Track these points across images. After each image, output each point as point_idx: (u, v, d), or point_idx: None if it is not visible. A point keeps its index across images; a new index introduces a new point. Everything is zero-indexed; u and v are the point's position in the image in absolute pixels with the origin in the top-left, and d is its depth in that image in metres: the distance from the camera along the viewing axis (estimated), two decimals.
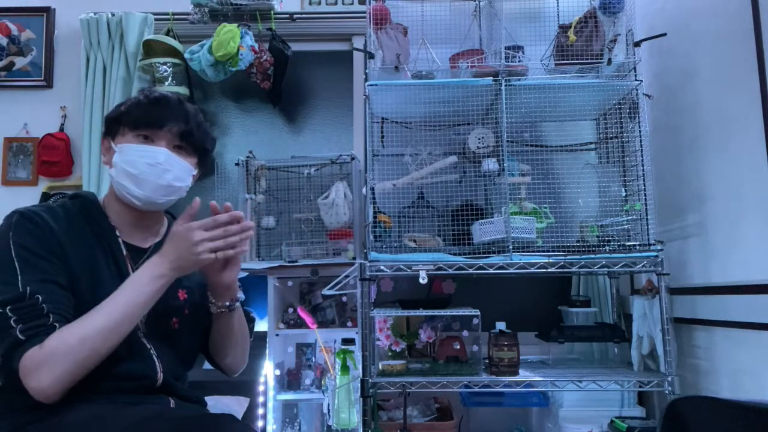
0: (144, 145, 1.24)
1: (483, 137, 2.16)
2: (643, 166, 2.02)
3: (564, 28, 2.12)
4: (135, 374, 1.19)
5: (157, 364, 1.23)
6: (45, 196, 2.76)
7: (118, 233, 1.26)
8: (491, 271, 1.96)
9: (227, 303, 1.30)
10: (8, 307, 1.08)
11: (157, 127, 1.24)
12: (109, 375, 1.14)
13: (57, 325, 1.09)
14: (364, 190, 2.17)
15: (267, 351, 2.41)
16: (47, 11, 2.91)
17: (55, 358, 1.05)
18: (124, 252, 1.26)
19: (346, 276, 2.17)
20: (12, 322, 1.07)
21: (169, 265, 1.16)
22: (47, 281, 1.12)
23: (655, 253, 1.93)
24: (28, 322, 1.08)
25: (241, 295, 1.33)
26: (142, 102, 1.26)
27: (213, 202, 1.23)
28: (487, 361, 2.09)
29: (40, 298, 1.09)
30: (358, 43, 2.82)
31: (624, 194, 2.13)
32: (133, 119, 1.24)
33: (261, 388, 2.40)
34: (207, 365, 1.47)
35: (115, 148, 1.25)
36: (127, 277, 1.23)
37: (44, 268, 1.13)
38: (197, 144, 1.30)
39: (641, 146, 2.03)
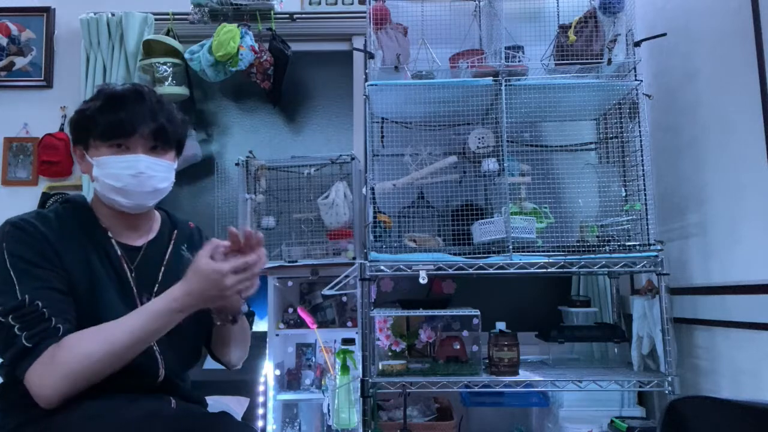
0: (121, 155, 1.19)
1: (483, 137, 2.16)
2: (643, 166, 2.02)
3: (564, 28, 2.12)
4: (137, 371, 1.18)
5: (159, 360, 1.23)
6: (45, 196, 2.76)
7: (110, 234, 1.26)
8: (491, 271, 1.96)
9: (230, 317, 1.30)
10: (10, 316, 1.08)
11: (129, 135, 1.19)
12: (113, 372, 1.14)
13: (61, 327, 1.09)
14: (364, 190, 2.17)
15: (267, 351, 2.41)
16: (47, 11, 2.91)
17: (61, 373, 1.06)
18: (119, 252, 1.25)
19: (346, 276, 2.17)
20: (16, 330, 1.07)
21: (190, 303, 1.14)
22: (45, 288, 1.12)
23: (655, 253, 1.93)
24: (32, 329, 1.08)
25: (243, 308, 1.33)
26: (105, 108, 1.19)
27: (232, 228, 1.17)
28: (487, 361, 2.09)
29: (40, 304, 1.09)
30: (358, 43, 2.82)
31: (624, 194, 2.13)
32: (102, 130, 1.19)
33: (261, 388, 2.40)
34: (207, 365, 1.47)
35: (91, 161, 1.21)
36: (124, 277, 1.24)
37: (40, 276, 1.12)
38: (172, 139, 1.25)
39: (641, 146, 2.03)
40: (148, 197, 1.24)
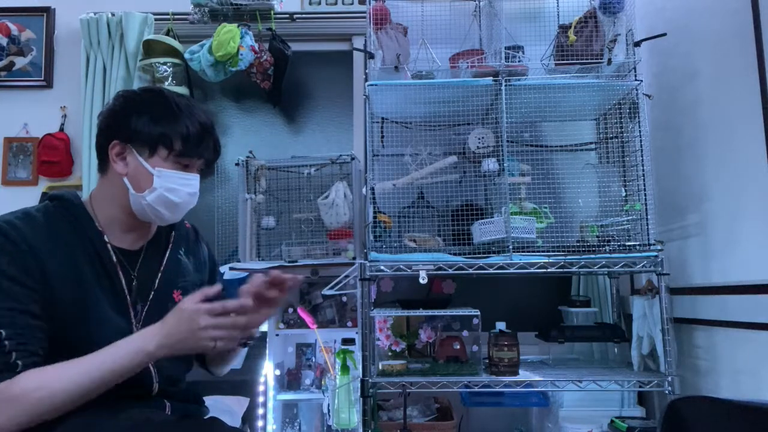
0: (184, 172, 1.23)
1: (483, 137, 2.16)
2: (643, 166, 2.02)
3: (564, 28, 2.12)
4: (131, 385, 1.14)
5: (153, 373, 1.20)
6: (45, 196, 2.76)
7: (106, 237, 1.20)
8: (491, 271, 1.96)
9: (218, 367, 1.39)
10: None
11: (197, 158, 1.25)
12: None
13: (19, 363, 1.03)
14: (364, 190, 2.17)
15: (267, 351, 2.41)
16: (47, 11, 2.91)
17: (15, 406, 1.01)
18: (114, 258, 1.20)
19: (346, 276, 2.17)
20: None
21: (160, 343, 1.10)
22: (15, 310, 1.05)
23: (655, 253, 1.93)
24: None
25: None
26: (192, 134, 1.21)
27: (276, 272, 1.25)
28: (487, 361, 2.09)
29: (3, 333, 1.03)
30: (358, 43, 2.82)
31: (624, 194, 2.13)
32: (181, 149, 1.21)
33: (261, 388, 2.40)
34: None
35: (152, 171, 1.19)
36: (118, 285, 1.19)
37: (14, 294, 1.06)
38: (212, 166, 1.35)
39: (641, 146, 2.03)
40: (184, 213, 1.27)
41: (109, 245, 1.20)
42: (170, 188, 1.20)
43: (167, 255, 1.30)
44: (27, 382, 1.03)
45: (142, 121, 1.20)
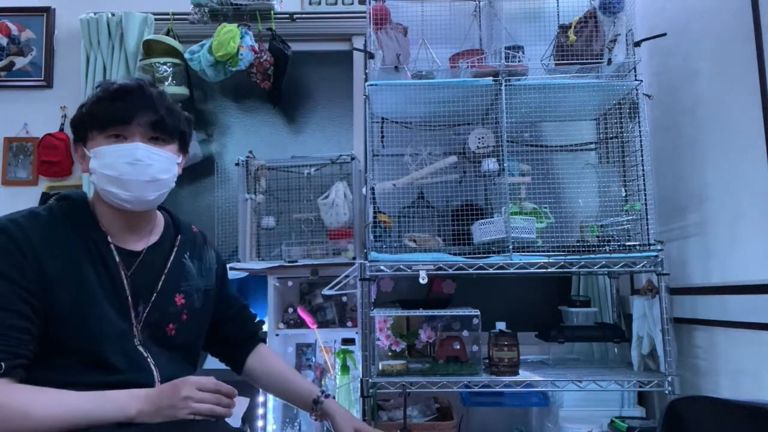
0: (118, 144, 1.16)
1: (483, 137, 2.16)
2: (643, 166, 2.02)
3: (564, 28, 2.12)
4: (132, 385, 1.14)
5: (155, 373, 1.19)
6: (45, 196, 2.76)
7: (109, 238, 1.20)
8: (491, 271, 1.96)
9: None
10: None
11: (126, 123, 1.16)
12: (106, 386, 1.10)
13: (3, 365, 1.03)
14: (364, 190, 2.17)
15: None
16: (47, 11, 2.91)
17: None
18: (117, 258, 1.19)
19: (346, 276, 2.17)
20: None
21: (142, 410, 1.08)
22: (3, 309, 1.05)
23: (655, 253, 1.93)
24: None
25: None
26: (103, 98, 1.17)
27: None
28: (487, 361, 2.09)
29: None
30: (358, 43, 2.82)
31: (624, 194, 2.13)
32: (99, 120, 1.17)
33: None
34: (207, 365, 1.47)
35: (89, 154, 1.18)
36: (119, 285, 1.18)
37: (3, 292, 1.06)
38: (173, 130, 1.22)
39: (641, 146, 2.03)
40: (146, 188, 1.18)
41: (112, 245, 1.20)
42: (106, 164, 1.16)
43: (172, 258, 1.30)
44: (7, 398, 1.02)
45: (75, 114, 1.22)
